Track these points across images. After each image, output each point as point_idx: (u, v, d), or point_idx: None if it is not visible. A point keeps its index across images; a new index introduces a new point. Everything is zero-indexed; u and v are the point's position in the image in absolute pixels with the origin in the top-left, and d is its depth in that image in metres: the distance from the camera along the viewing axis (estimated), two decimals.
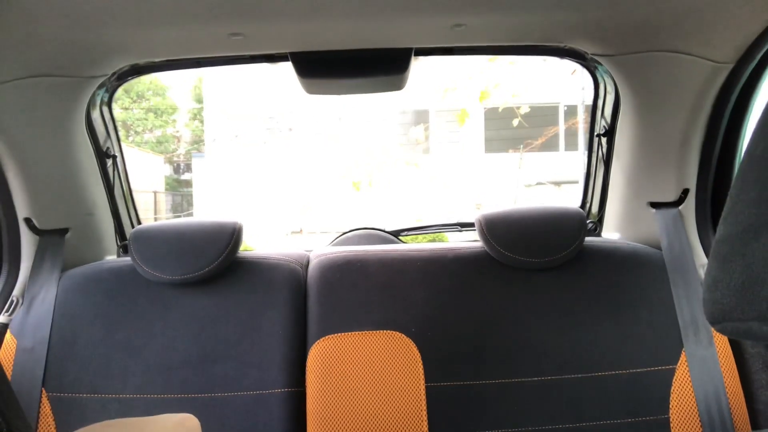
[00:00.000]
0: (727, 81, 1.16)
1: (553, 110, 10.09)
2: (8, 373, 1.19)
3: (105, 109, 1.41)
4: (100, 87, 1.28)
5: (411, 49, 1.21)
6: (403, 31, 1.14)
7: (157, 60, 1.27)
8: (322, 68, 1.23)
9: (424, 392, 1.18)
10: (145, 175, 12.30)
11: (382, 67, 1.23)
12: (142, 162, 12.92)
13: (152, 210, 12.10)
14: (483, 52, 1.38)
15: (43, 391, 1.18)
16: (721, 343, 1.20)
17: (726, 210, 0.41)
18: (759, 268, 0.36)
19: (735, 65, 1.13)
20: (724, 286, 0.39)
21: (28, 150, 1.22)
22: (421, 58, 1.36)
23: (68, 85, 1.18)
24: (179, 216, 13.13)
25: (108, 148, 1.43)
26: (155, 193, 12.54)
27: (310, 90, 1.30)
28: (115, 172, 1.46)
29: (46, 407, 1.18)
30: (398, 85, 1.30)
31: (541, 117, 9.31)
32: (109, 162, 1.43)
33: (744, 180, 0.39)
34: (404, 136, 10.04)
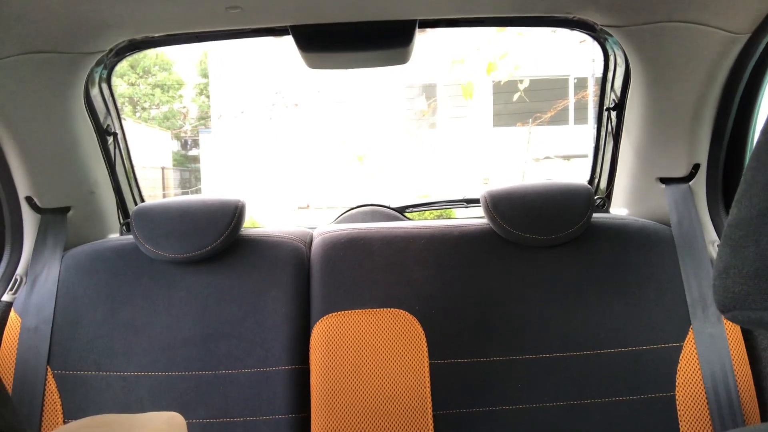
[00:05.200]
0: (742, 52, 1.12)
1: (562, 83, 9.93)
2: (13, 351, 1.20)
3: (104, 86, 1.39)
4: (98, 64, 1.26)
5: (415, 21, 1.18)
6: (406, 1, 1.10)
7: (155, 35, 1.24)
8: (324, 42, 1.20)
9: (428, 370, 1.18)
10: (152, 151, 12.28)
11: (385, 40, 1.20)
12: (150, 138, 12.89)
13: (160, 186, 12.13)
14: (489, 24, 1.34)
15: (48, 369, 1.19)
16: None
17: (739, 192, 0.38)
18: None
19: (751, 36, 1.09)
20: (735, 272, 0.37)
21: (26, 128, 1.21)
22: (428, 31, 1.33)
23: (65, 62, 1.16)
24: (187, 192, 13.17)
25: (108, 125, 1.41)
26: (163, 169, 12.54)
27: (312, 64, 1.28)
28: (117, 150, 1.45)
29: (51, 385, 1.19)
30: (402, 59, 1.27)
31: (551, 90, 9.18)
32: (110, 139, 1.42)
33: (759, 161, 0.37)
34: (411, 110, 9.95)
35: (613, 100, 1.39)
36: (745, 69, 1.14)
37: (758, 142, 0.38)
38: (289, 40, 1.21)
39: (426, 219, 1.62)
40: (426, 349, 1.19)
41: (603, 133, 1.48)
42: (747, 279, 0.35)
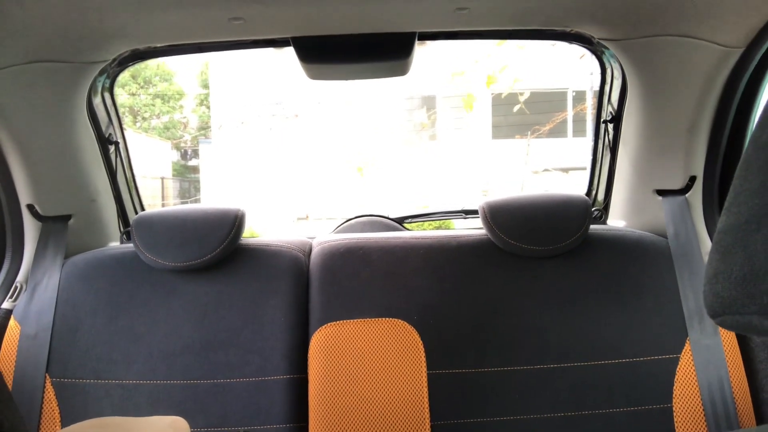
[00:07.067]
0: (737, 66, 1.13)
1: (561, 96, 9.98)
2: (12, 358, 1.20)
3: (107, 95, 1.40)
4: (101, 73, 1.27)
5: (414, 33, 1.20)
6: (406, 14, 1.12)
7: (157, 45, 1.26)
8: (325, 53, 1.21)
9: (425, 380, 1.18)
10: (152, 161, 12.30)
11: (385, 51, 1.22)
12: (150, 148, 12.90)
13: (160, 196, 12.13)
14: (487, 37, 1.35)
15: (47, 377, 1.19)
16: (726, 332, 1.19)
17: (729, 199, 0.39)
18: (761, 261, 0.35)
19: (745, 49, 1.10)
20: (724, 278, 0.37)
21: (29, 136, 1.22)
22: (427, 43, 1.34)
23: (68, 71, 1.17)
24: (186, 202, 13.16)
25: (110, 134, 1.42)
26: (163, 179, 12.54)
27: (313, 75, 1.29)
28: (118, 159, 1.46)
29: (50, 393, 1.19)
30: (402, 71, 1.28)
31: (549, 102, 9.22)
32: (112, 148, 1.43)
33: (748, 168, 0.38)
34: (411, 122, 9.99)
35: (610, 112, 1.40)
36: (739, 82, 1.16)
37: (747, 149, 0.39)
38: (290, 52, 1.23)
39: (425, 230, 1.63)
40: (424, 359, 1.19)
41: (600, 146, 1.49)
42: (735, 284, 0.36)
